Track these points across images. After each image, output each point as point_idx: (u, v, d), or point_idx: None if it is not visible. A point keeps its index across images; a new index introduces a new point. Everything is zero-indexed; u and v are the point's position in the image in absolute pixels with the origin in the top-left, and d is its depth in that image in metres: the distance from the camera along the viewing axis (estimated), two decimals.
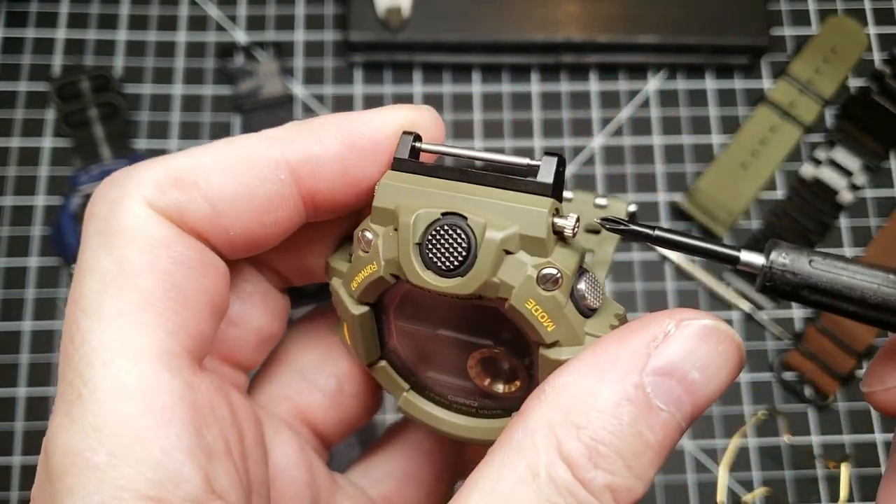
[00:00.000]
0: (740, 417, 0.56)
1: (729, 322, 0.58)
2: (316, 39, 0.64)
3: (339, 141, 0.24)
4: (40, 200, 0.60)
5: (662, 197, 0.61)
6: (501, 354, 0.25)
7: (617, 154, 0.62)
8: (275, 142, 0.23)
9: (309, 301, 0.52)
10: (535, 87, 0.64)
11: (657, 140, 0.62)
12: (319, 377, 0.28)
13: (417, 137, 0.24)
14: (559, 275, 0.22)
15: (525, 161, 0.23)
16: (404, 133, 0.24)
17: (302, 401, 0.28)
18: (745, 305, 0.58)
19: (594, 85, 0.64)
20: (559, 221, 0.22)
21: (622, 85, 0.64)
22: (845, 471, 0.53)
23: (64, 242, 0.57)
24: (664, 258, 0.59)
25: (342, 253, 0.26)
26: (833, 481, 0.54)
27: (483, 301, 0.22)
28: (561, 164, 0.23)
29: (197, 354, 0.22)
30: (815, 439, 0.56)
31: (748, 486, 0.55)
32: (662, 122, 0.63)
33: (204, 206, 0.22)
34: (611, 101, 0.63)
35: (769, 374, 0.57)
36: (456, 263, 0.22)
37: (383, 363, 0.27)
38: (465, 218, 0.22)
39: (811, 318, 0.58)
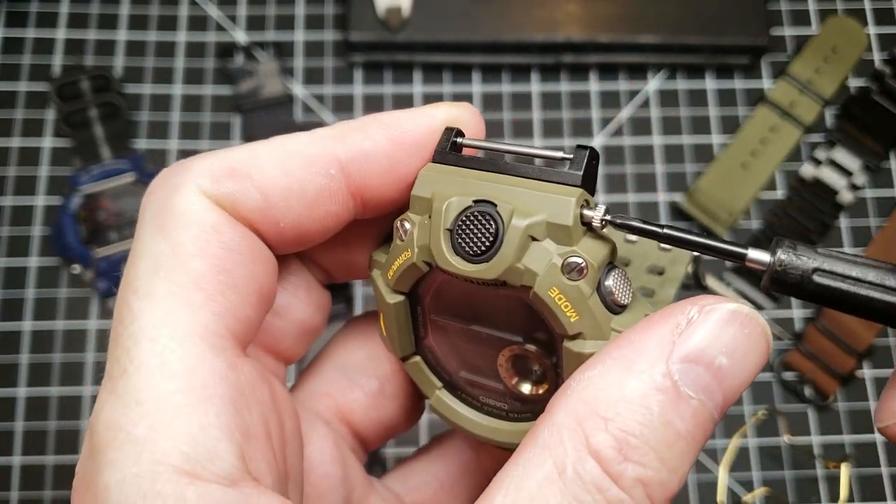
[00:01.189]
0: (740, 417, 0.56)
1: None
2: (316, 39, 0.64)
3: (387, 138, 0.24)
4: (40, 200, 0.60)
5: (662, 197, 0.61)
6: (531, 353, 0.25)
7: (617, 154, 0.62)
8: (326, 138, 0.24)
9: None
10: (535, 87, 0.64)
11: (657, 140, 0.62)
12: (361, 376, 0.29)
13: (459, 133, 0.25)
14: (584, 264, 0.22)
15: (559, 154, 0.24)
16: (447, 128, 0.25)
17: (342, 398, 0.28)
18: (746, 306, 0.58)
19: (594, 85, 0.64)
20: (587, 212, 0.22)
21: (622, 85, 0.64)
22: (845, 471, 0.53)
23: (64, 242, 0.57)
24: None
25: (384, 247, 0.27)
26: (833, 481, 0.54)
27: (508, 288, 0.23)
28: (593, 157, 0.23)
29: (242, 339, 0.22)
30: (815, 439, 0.56)
31: (748, 486, 0.55)
32: (662, 122, 0.63)
33: (256, 196, 0.23)
34: (611, 101, 0.63)
35: (769, 374, 0.57)
36: (483, 248, 0.22)
37: (417, 358, 0.27)
38: (495, 205, 0.22)
39: (811, 318, 0.58)
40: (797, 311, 0.58)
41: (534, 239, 0.22)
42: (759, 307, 0.58)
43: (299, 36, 0.64)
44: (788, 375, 0.57)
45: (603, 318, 0.22)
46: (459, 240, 0.22)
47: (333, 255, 0.27)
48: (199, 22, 0.64)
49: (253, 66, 0.63)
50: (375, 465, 0.54)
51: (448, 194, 0.23)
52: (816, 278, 0.20)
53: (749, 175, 0.60)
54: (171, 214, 0.22)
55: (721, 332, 0.20)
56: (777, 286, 0.21)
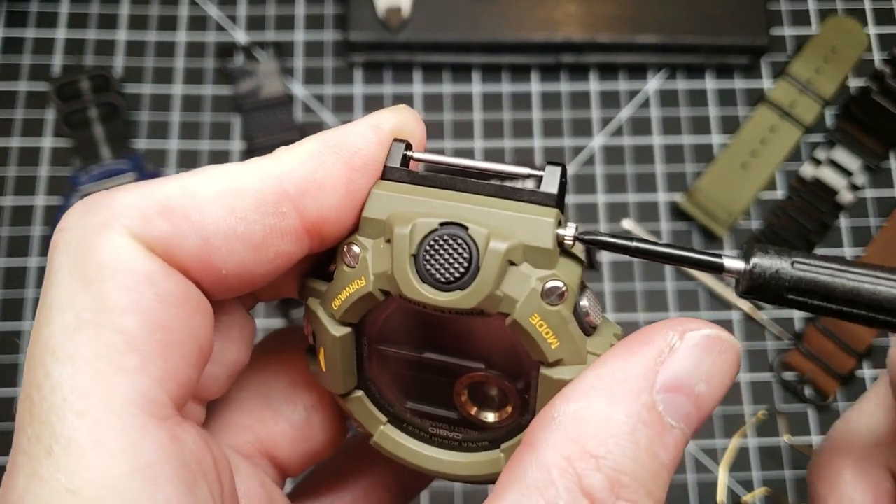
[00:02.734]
0: (740, 417, 0.56)
1: (729, 322, 0.58)
2: (316, 39, 0.64)
3: (341, 162, 0.22)
4: (40, 200, 0.60)
5: (662, 197, 0.61)
6: (493, 378, 0.23)
7: (617, 154, 0.62)
8: (272, 170, 0.21)
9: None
10: (535, 87, 0.64)
11: (657, 140, 0.62)
12: (286, 406, 0.26)
13: (409, 146, 0.23)
14: (564, 288, 0.21)
15: (526, 171, 0.22)
16: (395, 140, 0.23)
17: (266, 431, 0.26)
18: (745, 305, 0.58)
19: (594, 85, 0.64)
20: (560, 231, 0.21)
21: (622, 85, 0.64)
22: None
23: None
24: None
25: (318, 273, 0.24)
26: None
27: (482, 317, 0.21)
28: (563, 175, 0.22)
29: (181, 403, 0.20)
30: (815, 439, 0.56)
31: (748, 486, 0.55)
32: (662, 122, 0.63)
33: (195, 240, 0.20)
34: (611, 101, 0.63)
35: (769, 374, 0.57)
36: (457, 275, 0.20)
37: (360, 393, 0.25)
38: (466, 228, 0.21)
39: (811, 318, 0.58)
40: (797, 312, 0.58)
41: (512, 263, 0.21)
42: (759, 307, 0.58)
43: (299, 36, 0.64)
44: (788, 375, 0.57)
45: (580, 342, 0.21)
46: (428, 266, 0.21)
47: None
48: (199, 22, 0.64)
49: (253, 66, 0.63)
50: None
51: (408, 216, 0.21)
52: (792, 285, 0.20)
53: (749, 175, 0.60)
54: (94, 260, 0.19)
55: (701, 360, 0.20)
56: (753, 294, 0.21)
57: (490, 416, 0.24)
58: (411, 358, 0.24)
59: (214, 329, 0.22)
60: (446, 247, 0.21)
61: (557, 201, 0.21)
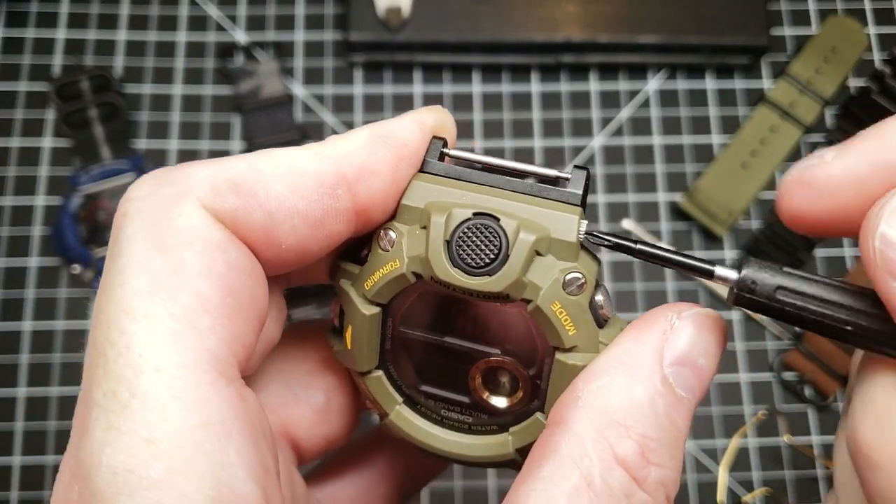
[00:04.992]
0: (740, 417, 0.56)
1: (729, 322, 0.58)
2: (316, 39, 0.64)
3: (391, 152, 0.23)
4: (40, 200, 0.60)
5: (662, 197, 0.61)
6: (508, 364, 0.25)
7: (617, 154, 0.62)
8: (331, 155, 0.23)
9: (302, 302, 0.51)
10: (535, 87, 0.64)
11: (657, 140, 0.62)
12: (307, 390, 0.27)
13: (445, 143, 0.25)
14: (584, 280, 0.23)
15: (553, 173, 0.24)
16: (434, 138, 0.25)
17: (287, 414, 0.27)
18: None
19: (594, 85, 0.64)
20: (582, 229, 0.23)
21: (622, 85, 0.64)
22: None
23: (64, 242, 0.57)
24: None
25: (350, 256, 0.26)
26: (833, 481, 0.54)
27: (506, 302, 0.23)
28: (588, 178, 0.24)
29: (243, 366, 0.21)
30: (815, 439, 0.56)
31: (748, 486, 0.55)
32: (662, 122, 0.63)
33: (261, 215, 0.21)
34: (611, 101, 0.63)
35: (769, 374, 0.57)
36: (487, 261, 0.22)
37: (379, 373, 0.26)
38: (498, 219, 0.22)
39: None
40: None
41: (538, 254, 0.22)
42: None
43: (299, 36, 0.64)
44: (788, 375, 0.57)
45: (594, 332, 0.23)
46: (460, 251, 0.22)
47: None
48: (199, 22, 0.64)
49: (253, 66, 0.63)
50: None
51: (444, 206, 0.23)
52: (779, 296, 0.21)
53: (749, 175, 0.60)
54: (169, 228, 0.20)
55: (699, 336, 0.22)
56: (742, 304, 0.22)
57: (502, 401, 0.25)
58: (432, 341, 0.25)
59: None
60: (479, 234, 0.22)
61: (582, 201, 0.23)
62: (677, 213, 0.60)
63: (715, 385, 0.57)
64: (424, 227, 0.23)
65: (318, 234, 0.23)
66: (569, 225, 0.23)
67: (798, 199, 0.22)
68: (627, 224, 0.60)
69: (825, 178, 0.21)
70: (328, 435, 0.28)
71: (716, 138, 0.62)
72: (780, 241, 0.59)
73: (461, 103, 0.63)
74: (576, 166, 0.24)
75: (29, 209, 0.59)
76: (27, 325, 0.57)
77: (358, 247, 0.25)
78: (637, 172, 0.61)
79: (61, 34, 0.64)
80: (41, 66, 0.63)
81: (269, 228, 0.22)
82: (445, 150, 0.25)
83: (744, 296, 0.22)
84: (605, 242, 0.23)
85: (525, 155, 0.61)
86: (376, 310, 0.24)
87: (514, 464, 0.25)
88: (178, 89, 0.63)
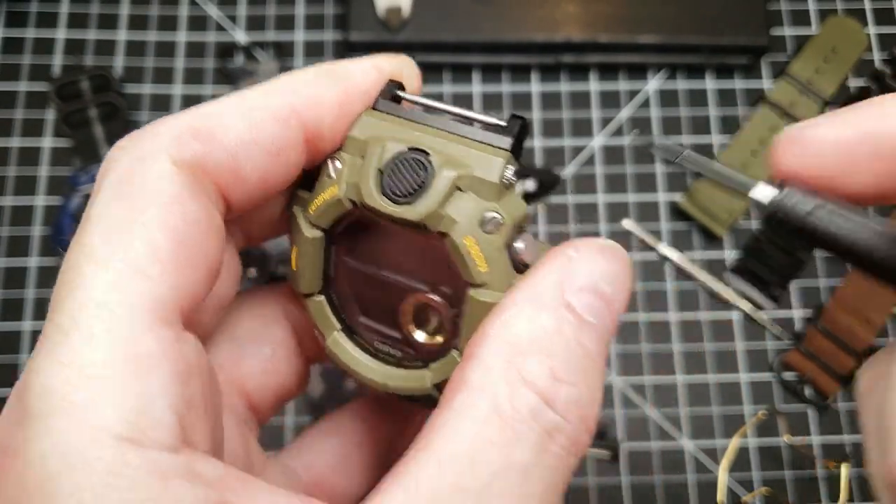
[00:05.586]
0: (740, 417, 0.56)
1: (729, 322, 0.58)
2: (316, 39, 0.64)
3: (341, 88, 0.25)
4: (40, 200, 0.60)
5: (662, 197, 0.61)
6: (435, 303, 0.26)
7: (617, 154, 0.62)
8: (282, 89, 0.24)
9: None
10: (535, 87, 0.64)
11: (657, 140, 0.62)
12: (252, 345, 0.29)
13: (400, 86, 0.26)
14: (501, 220, 0.23)
15: (493, 120, 0.25)
16: (389, 80, 0.26)
17: (235, 368, 0.28)
18: (745, 305, 0.58)
19: (594, 85, 0.64)
20: (509, 174, 0.24)
21: (622, 85, 0.64)
22: (845, 471, 0.53)
23: (64, 243, 0.57)
24: (664, 258, 0.59)
25: (306, 185, 0.28)
26: (833, 481, 0.54)
27: (424, 234, 0.24)
28: (524, 126, 0.25)
29: (189, 315, 0.22)
30: (816, 439, 0.56)
31: (748, 486, 0.55)
32: (662, 122, 0.63)
33: (224, 155, 0.23)
34: (611, 101, 0.63)
35: (769, 374, 0.57)
36: (410, 191, 0.23)
37: (321, 297, 0.27)
38: (428, 154, 0.24)
39: (811, 319, 0.58)
40: (797, 312, 0.58)
41: (459, 190, 0.24)
42: (759, 307, 0.58)
43: (299, 36, 0.64)
44: (788, 375, 0.57)
45: (508, 274, 0.24)
46: (389, 180, 0.24)
47: (258, 211, 0.27)
48: (199, 22, 0.64)
49: (253, 66, 0.63)
50: None
51: (384, 139, 0.24)
52: (817, 217, 0.22)
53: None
54: (135, 182, 0.22)
55: (599, 265, 0.23)
56: (778, 221, 0.23)
57: (424, 337, 0.27)
58: (370, 273, 0.27)
59: None
60: (407, 166, 0.24)
61: (513, 147, 0.24)
62: (677, 213, 0.60)
63: (715, 385, 0.57)
64: (363, 157, 0.25)
65: (278, 164, 0.24)
66: (493, 166, 0.24)
67: (788, 156, 0.23)
68: (627, 224, 0.60)
69: (814, 139, 0.22)
70: (277, 385, 0.29)
71: (716, 138, 0.62)
72: (781, 240, 0.59)
73: (461, 103, 0.63)
74: (513, 115, 0.25)
75: (29, 209, 0.59)
76: (27, 325, 0.57)
77: (314, 179, 0.27)
78: (637, 172, 0.61)
79: (61, 34, 0.64)
80: (41, 66, 0.63)
81: (234, 166, 0.23)
82: (400, 94, 0.26)
83: (782, 213, 0.22)
84: (650, 146, 0.24)
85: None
86: (318, 234, 0.26)
87: (431, 399, 0.26)
88: (178, 89, 0.63)
